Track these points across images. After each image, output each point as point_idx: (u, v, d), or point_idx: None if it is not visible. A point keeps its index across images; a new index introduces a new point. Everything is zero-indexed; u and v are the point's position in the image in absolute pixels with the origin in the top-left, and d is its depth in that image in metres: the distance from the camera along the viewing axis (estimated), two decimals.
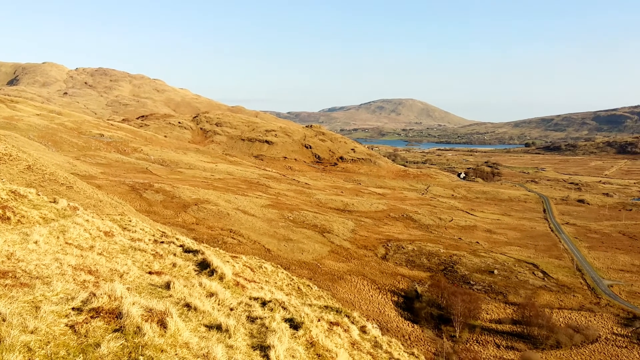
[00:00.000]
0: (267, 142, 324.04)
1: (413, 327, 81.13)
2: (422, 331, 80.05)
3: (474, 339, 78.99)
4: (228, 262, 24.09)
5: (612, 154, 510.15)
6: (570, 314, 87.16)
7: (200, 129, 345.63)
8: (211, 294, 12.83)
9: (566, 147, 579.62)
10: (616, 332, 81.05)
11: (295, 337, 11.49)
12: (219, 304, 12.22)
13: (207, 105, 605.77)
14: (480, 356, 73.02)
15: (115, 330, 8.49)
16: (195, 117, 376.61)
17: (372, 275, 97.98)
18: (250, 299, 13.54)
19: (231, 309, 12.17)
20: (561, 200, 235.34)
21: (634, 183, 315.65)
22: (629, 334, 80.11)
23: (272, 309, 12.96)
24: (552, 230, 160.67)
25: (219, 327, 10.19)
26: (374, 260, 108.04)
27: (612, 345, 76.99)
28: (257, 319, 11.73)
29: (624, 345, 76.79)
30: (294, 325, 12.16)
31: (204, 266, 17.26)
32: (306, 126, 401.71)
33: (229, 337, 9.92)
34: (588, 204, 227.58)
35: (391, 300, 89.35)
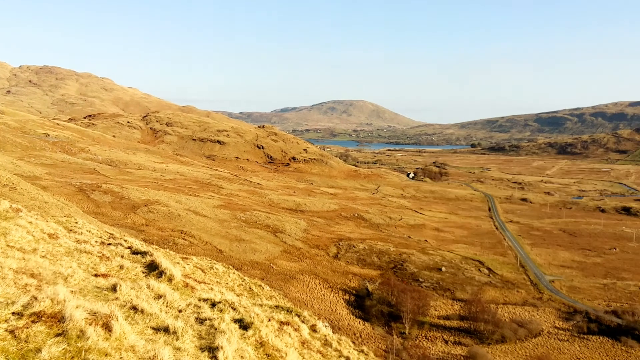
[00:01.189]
0: (218, 142, 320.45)
1: (364, 324, 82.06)
2: (373, 329, 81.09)
3: (423, 335, 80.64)
4: (178, 263, 23.74)
5: (553, 155, 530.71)
6: (515, 309, 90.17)
7: (150, 128, 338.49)
8: (159, 296, 12.66)
9: (510, 148, 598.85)
10: (558, 325, 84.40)
11: (245, 337, 11.50)
12: (167, 306, 12.08)
13: (157, 104, 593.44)
14: (429, 352, 74.58)
15: (58, 335, 8.29)
16: (144, 116, 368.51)
17: (324, 275, 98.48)
18: (199, 300, 13.44)
19: (180, 311, 12.05)
20: (505, 199, 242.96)
21: (574, 182, 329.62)
22: (570, 328, 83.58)
23: (221, 310, 12.91)
24: (497, 228, 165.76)
25: (166, 329, 10.09)
26: (326, 259, 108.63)
27: (554, 338, 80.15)
28: (206, 320, 11.67)
29: (565, 339, 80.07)
30: (244, 325, 12.15)
31: (152, 268, 16.96)
32: (258, 126, 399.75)
33: (177, 339, 9.84)
34: (531, 202, 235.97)
35: (342, 298, 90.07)
